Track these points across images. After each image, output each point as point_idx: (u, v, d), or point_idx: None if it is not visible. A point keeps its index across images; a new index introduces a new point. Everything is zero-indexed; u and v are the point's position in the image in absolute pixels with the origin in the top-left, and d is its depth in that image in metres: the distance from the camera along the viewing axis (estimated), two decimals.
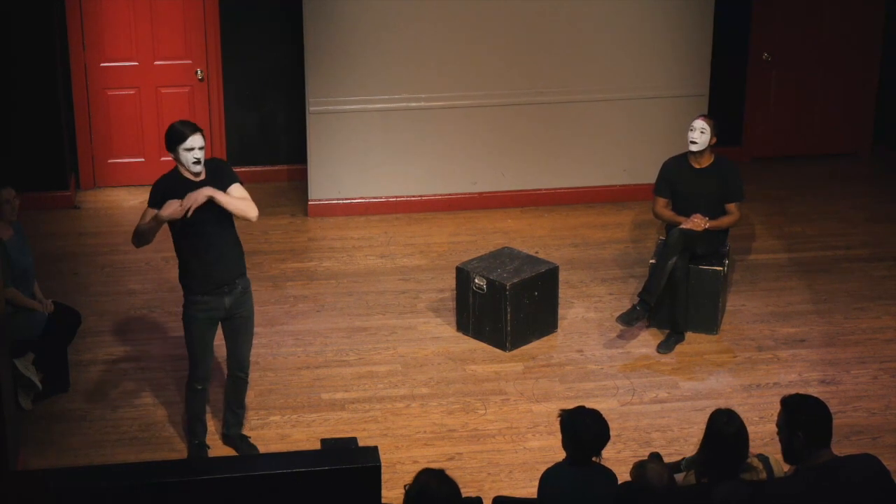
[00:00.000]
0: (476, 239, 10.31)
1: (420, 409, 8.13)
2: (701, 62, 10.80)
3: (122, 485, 5.13)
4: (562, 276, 9.11)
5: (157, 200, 7.09)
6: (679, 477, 6.09)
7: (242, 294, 7.36)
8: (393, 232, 10.47)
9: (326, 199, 10.71)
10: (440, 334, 8.96)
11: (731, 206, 8.87)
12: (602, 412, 5.98)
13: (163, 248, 8.18)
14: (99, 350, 8.71)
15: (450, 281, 9.37)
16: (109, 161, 11.10)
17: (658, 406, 8.16)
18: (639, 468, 5.65)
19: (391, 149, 10.64)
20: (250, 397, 7.94)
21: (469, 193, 10.85)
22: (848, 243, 10.30)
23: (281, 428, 7.92)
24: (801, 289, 9.59)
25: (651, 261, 8.94)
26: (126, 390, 8.30)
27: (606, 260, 10.01)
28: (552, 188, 10.93)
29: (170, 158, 7.18)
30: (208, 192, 7.04)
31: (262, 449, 7.66)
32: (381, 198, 10.76)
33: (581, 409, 5.99)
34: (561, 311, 9.05)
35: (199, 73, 10.96)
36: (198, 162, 7.08)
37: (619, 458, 7.23)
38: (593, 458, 5.93)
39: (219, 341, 7.48)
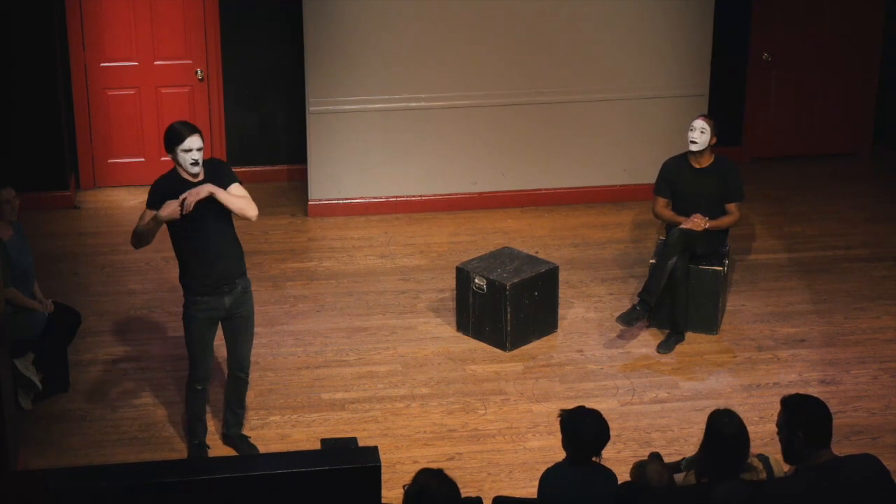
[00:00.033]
0: (476, 239, 10.31)
1: (420, 409, 8.13)
2: (701, 62, 10.80)
3: (122, 485, 5.14)
4: (562, 276, 9.11)
5: (155, 201, 7.08)
6: (679, 477, 6.09)
7: (242, 294, 7.35)
8: (393, 232, 10.46)
9: (326, 199, 10.71)
10: (440, 334, 8.95)
11: (731, 206, 8.87)
12: (602, 412, 5.98)
13: (163, 248, 8.17)
14: (99, 350, 8.70)
15: (450, 281, 9.36)
16: (109, 161, 11.09)
17: (658, 406, 8.16)
18: (639, 468, 5.65)
19: (391, 149, 10.64)
20: (250, 397, 7.94)
21: (469, 193, 10.84)
22: (848, 243, 10.29)
23: (281, 428, 7.92)
24: (801, 289, 9.59)
25: (651, 261, 8.93)
26: (126, 390, 8.30)
27: (606, 260, 10.01)
28: (552, 188, 10.93)
29: (170, 158, 7.18)
30: (209, 188, 7.03)
31: (262, 449, 7.66)
32: (381, 198, 10.76)
33: (581, 409, 5.99)
34: (561, 311, 9.05)
35: (199, 73, 10.95)
36: (195, 163, 7.07)
37: (619, 458, 7.23)
38: (593, 458, 5.93)
39: (219, 341, 7.48)
